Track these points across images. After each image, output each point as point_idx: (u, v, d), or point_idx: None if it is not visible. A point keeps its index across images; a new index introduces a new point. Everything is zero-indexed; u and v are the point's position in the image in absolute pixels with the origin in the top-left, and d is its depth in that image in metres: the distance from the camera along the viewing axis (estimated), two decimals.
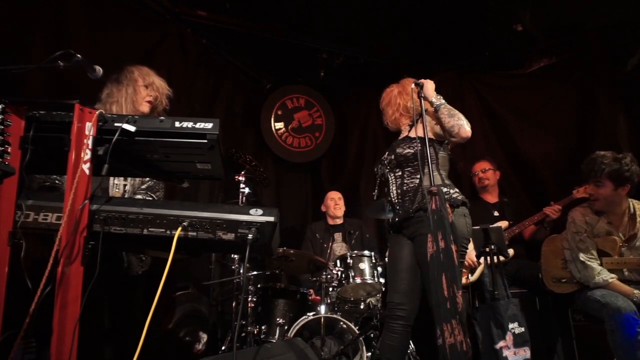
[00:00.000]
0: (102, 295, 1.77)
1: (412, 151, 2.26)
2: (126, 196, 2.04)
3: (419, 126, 2.39)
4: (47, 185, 1.85)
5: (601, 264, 2.62)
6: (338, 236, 4.03)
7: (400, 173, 2.33)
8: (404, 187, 2.29)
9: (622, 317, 2.37)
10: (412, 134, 2.37)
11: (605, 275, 2.56)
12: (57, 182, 1.84)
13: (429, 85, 2.30)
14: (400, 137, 2.48)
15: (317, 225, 4.20)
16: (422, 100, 2.25)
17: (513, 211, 3.63)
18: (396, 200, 2.32)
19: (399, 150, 2.32)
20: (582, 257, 2.64)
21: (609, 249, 2.64)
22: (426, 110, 2.46)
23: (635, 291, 2.48)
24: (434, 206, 1.92)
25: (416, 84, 2.30)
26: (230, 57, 4.54)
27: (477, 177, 3.79)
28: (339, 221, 4.13)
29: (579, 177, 3.32)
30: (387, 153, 2.43)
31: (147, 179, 2.10)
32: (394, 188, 2.34)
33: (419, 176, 2.24)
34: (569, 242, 2.76)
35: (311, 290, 3.33)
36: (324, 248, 3.95)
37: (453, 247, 1.86)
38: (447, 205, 2.00)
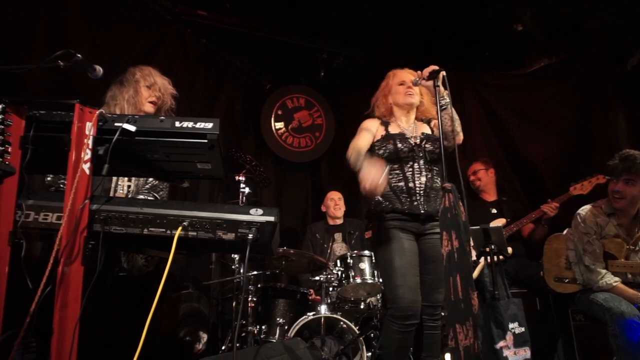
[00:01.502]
0: (103, 295, 1.78)
1: (439, 151, 2.17)
2: (130, 196, 2.04)
3: (424, 125, 2.39)
4: (53, 190, 1.86)
5: (607, 267, 2.57)
6: (338, 236, 4.03)
7: (429, 167, 2.26)
8: (434, 184, 2.23)
9: (625, 321, 2.34)
10: (429, 132, 2.35)
11: (609, 279, 2.52)
12: (61, 186, 1.84)
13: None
14: (421, 129, 2.36)
15: (317, 225, 4.20)
16: (438, 92, 2.05)
17: (512, 210, 3.63)
18: (420, 192, 2.22)
19: (437, 148, 2.18)
20: (587, 260, 2.59)
21: (615, 251, 2.59)
22: (419, 108, 2.46)
23: None
24: (447, 203, 1.84)
25: (435, 72, 2.06)
26: (230, 57, 4.55)
27: (470, 179, 3.84)
28: (339, 221, 4.13)
29: (578, 176, 3.34)
30: (421, 140, 2.29)
31: (151, 178, 2.11)
32: (423, 179, 2.23)
33: (439, 178, 2.24)
34: (575, 242, 2.69)
35: (311, 290, 3.33)
36: (324, 248, 3.95)
37: (467, 247, 1.80)
38: (460, 204, 1.93)
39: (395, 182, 2.25)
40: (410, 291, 2.10)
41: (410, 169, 2.25)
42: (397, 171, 2.26)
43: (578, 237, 2.68)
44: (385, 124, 2.38)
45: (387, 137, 2.30)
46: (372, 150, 2.35)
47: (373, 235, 2.27)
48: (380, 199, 2.27)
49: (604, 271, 2.55)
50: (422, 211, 2.20)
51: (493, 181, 3.82)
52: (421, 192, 2.22)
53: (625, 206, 2.57)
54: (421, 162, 2.26)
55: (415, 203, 2.21)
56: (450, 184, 1.89)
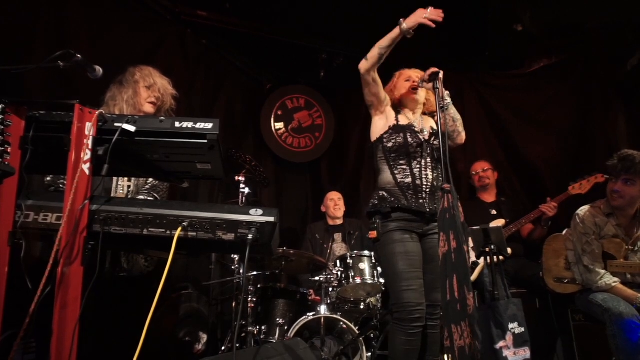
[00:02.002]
0: (103, 295, 1.78)
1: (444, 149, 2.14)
2: (130, 197, 2.04)
3: (430, 119, 2.41)
4: (52, 190, 1.85)
5: (606, 267, 2.56)
6: (338, 237, 4.03)
7: (435, 165, 2.25)
8: (438, 183, 2.22)
9: (624, 322, 2.34)
10: (435, 126, 2.34)
11: (608, 279, 2.51)
12: (61, 186, 1.84)
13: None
14: (428, 123, 2.38)
15: (317, 225, 4.20)
16: (437, 93, 2.07)
17: (511, 210, 3.64)
18: (426, 190, 2.21)
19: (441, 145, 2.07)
20: (586, 260, 2.58)
21: (614, 252, 2.59)
22: (425, 105, 2.47)
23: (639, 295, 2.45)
24: (446, 204, 1.83)
25: (434, 74, 2.12)
26: (230, 57, 4.54)
27: (477, 175, 3.81)
28: (339, 222, 4.13)
29: (578, 176, 3.33)
30: (429, 136, 2.28)
31: (151, 178, 2.10)
32: (430, 177, 2.22)
33: (441, 178, 2.23)
34: (575, 243, 2.68)
35: (311, 291, 3.33)
36: (324, 248, 3.95)
37: (465, 248, 1.79)
38: (459, 205, 1.91)
39: (401, 178, 2.22)
40: (415, 294, 2.09)
41: (418, 166, 2.23)
42: (404, 166, 2.24)
43: (577, 237, 2.67)
44: (396, 111, 2.39)
45: (397, 129, 2.29)
46: (379, 142, 2.33)
47: (377, 235, 2.23)
48: (385, 194, 2.23)
49: (603, 271, 2.54)
50: (427, 209, 2.18)
51: (495, 183, 3.83)
52: (427, 190, 2.21)
53: (624, 205, 2.57)
54: (428, 159, 2.25)
55: (421, 201, 2.19)
56: (449, 185, 1.89)
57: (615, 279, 2.52)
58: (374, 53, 2.21)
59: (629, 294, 2.47)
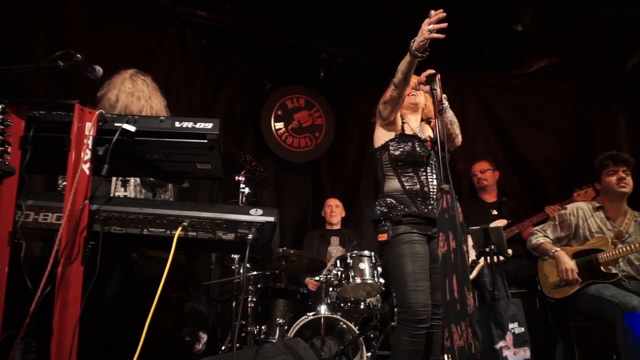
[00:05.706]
0: (103, 295, 1.78)
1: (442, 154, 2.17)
2: None
3: (427, 126, 2.43)
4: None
5: (597, 260, 2.65)
6: (335, 240, 4.04)
7: (438, 172, 2.27)
8: (438, 187, 2.24)
9: (637, 316, 2.31)
10: (431, 133, 2.38)
11: (539, 238, 2.87)
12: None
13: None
14: (427, 132, 2.41)
15: (314, 233, 4.24)
16: (435, 95, 2.07)
17: (511, 210, 3.63)
18: (433, 196, 2.24)
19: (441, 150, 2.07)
20: (534, 229, 2.95)
21: (603, 247, 2.68)
22: (422, 110, 2.48)
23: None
24: (444, 204, 1.85)
25: (431, 76, 2.13)
26: (230, 57, 4.54)
27: (475, 177, 3.81)
28: (336, 227, 4.15)
29: (579, 177, 3.33)
30: (433, 145, 2.31)
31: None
32: (435, 183, 2.26)
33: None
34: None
35: (310, 279, 3.33)
36: (321, 250, 3.96)
37: (464, 248, 1.81)
38: (458, 205, 1.92)
39: (409, 186, 2.25)
40: (423, 295, 2.10)
41: (424, 173, 2.27)
42: (411, 174, 2.27)
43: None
44: (401, 119, 2.40)
45: (404, 138, 2.31)
46: (384, 149, 2.34)
47: (387, 237, 2.21)
48: (393, 201, 2.25)
49: (540, 233, 2.89)
50: (436, 215, 2.21)
51: (496, 183, 3.82)
52: (434, 196, 2.24)
53: (628, 193, 2.70)
54: (433, 167, 2.29)
55: (430, 207, 2.22)
56: (447, 185, 1.90)
57: (547, 240, 2.85)
58: (399, 77, 2.13)
59: (564, 267, 2.69)
